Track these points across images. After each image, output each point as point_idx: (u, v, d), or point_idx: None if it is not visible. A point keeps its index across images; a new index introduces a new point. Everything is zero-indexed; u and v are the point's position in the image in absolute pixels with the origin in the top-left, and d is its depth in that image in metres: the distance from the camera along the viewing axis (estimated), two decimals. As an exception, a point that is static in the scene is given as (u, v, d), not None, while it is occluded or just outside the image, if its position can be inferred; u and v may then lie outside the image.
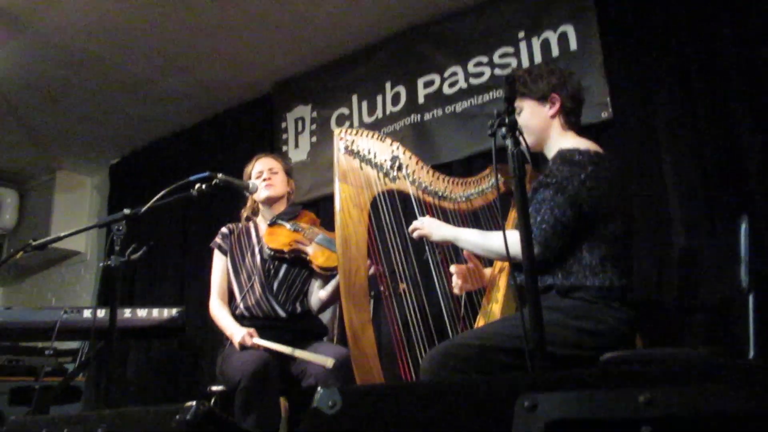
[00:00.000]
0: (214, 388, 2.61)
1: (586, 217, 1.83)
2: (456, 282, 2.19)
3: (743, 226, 1.87)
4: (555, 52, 3.10)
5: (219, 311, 2.62)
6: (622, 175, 1.99)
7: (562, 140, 1.99)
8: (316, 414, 0.84)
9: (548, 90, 1.99)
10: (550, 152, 2.00)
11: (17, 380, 3.63)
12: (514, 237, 1.52)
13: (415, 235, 2.10)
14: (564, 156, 1.88)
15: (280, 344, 2.41)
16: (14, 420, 1.37)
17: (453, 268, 2.19)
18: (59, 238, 2.47)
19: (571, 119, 2.04)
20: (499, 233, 1.94)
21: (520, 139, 1.49)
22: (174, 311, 3.55)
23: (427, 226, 2.07)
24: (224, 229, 2.78)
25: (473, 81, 3.38)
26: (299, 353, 2.36)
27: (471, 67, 3.40)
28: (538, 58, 3.15)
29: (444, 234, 2.05)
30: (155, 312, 3.52)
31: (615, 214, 1.87)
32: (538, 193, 1.87)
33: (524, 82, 2.00)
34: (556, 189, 1.82)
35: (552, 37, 3.13)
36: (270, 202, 2.73)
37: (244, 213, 2.84)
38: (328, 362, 2.28)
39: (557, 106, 2.00)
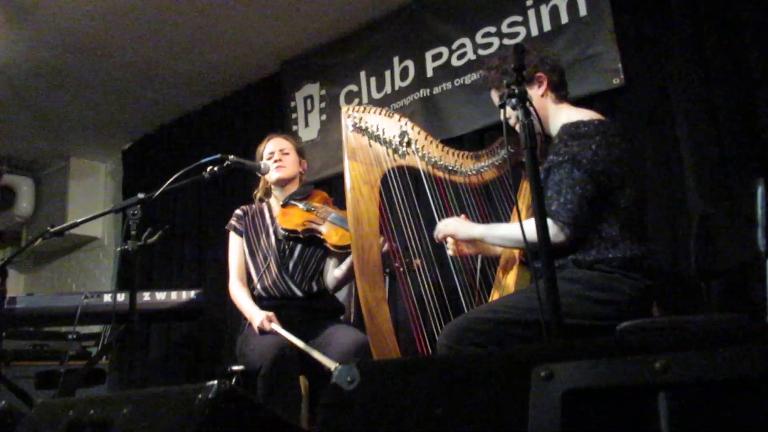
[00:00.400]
0: (235, 367, 2.64)
1: (603, 188, 1.82)
2: (451, 246, 2.19)
3: (760, 190, 1.85)
4: (564, 18, 3.05)
5: (239, 293, 2.64)
6: (629, 140, 1.97)
7: (560, 115, 1.97)
8: (335, 390, 0.85)
9: (531, 71, 1.96)
10: (553, 130, 1.98)
11: (43, 364, 3.71)
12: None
13: (440, 236, 2.09)
14: (569, 130, 1.86)
15: (299, 331, 2.43)
16: (42, 403, 1.40)
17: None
18: (76, 224, 2.50)
19: (561, 92, 2.02)
20: (525, 222, 1.93)
21: (531, 109, 1.48)
22: (192, 293, 3.59)
23: (452, 228, 2.06)
24: (238, 211, 2.79)
25: (482, 52, 3.34)
26: (316, 354, 2.33)
27: (479, 38, 3.36)
28: (547, 26, 3.10)
29: (470, 233, 2.04)
30: (174, 295, 3.57)
31: (628, 180, 1.86)
32: (552, 173, 1.84)
33: (504, 71, 1.96)
34: (571, 166, 1.80)
35: (561, 3, 3.07)
36: (282, 183, 2.74)
37: (257, 194, 2.85)
38: (333, 367, 2.27)
39: (545, 84, 1.98)
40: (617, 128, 1.91)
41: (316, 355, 2.32)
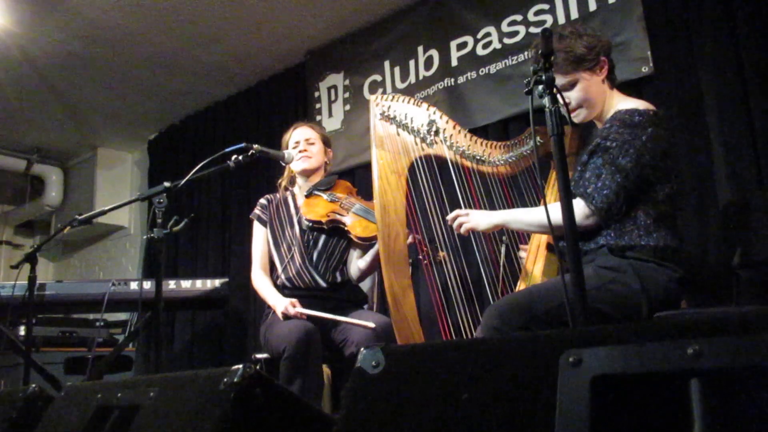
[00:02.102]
0: (259, 355, 2.67)
1: (646, 179, 1.79)
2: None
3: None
4: (592, 6, 3.00)
5: (261, 282, 2.66)
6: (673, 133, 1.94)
7: (614, 102, 1.94)
8: (360, 374, 0.85)
9: (596, 55, 1.92)
10: (605, 115, 1.95)
11: (71, 351, 3.79)
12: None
13: (462, 230, 2.04)
14: (623, 118, 1.83)
15: (322, 312, 2.44)
16: (71, 386, 1.43)
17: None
18: (104, 212, 2.53)
19: (613, 78, 1.99)
20: (550, 206, 1.91)
21: (558, 96, 1.46)
22: (217, 282, 3.63)
23: (473, 219, 2.02)
24: (263, 200, 2.80)
25: (507, 41, 3.30)
26: (346, 319, 2.40)
27: (505, 27, 3.32)
28: (574, 14, 3.05)
29: (492, 221, 2.00)
30: (199, 283, 3.61)
31: (671, 174, 1.83)
32: (596, 156, 1.82)
33: (569, 51, 1.89)
34: (617, 153, 1.77)
35: (589, -11, 3.02)
36: (306, 173, 2.74)
37: (282, 182, 2.86)
38: (370, 324, 2.31)
39: (606, 69, 1.95)
40: (667, 121, 1.87)
41: (347, 320, 2.36)
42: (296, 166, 2.72)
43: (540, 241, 2.14)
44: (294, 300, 2.49)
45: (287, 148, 2.76)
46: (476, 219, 2.02)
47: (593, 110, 1.94)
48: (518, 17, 3.28)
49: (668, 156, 1.82)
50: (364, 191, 2.74)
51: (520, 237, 2.30)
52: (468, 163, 2.13)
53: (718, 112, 2.56)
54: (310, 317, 2.45)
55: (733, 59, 2.56)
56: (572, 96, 1.93)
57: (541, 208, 1.91)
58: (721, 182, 2.52)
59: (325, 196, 2.68)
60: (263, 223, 2.75)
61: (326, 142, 2.83)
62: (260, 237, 2.74)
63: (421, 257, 2.25)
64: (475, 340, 1.12)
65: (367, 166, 2.21)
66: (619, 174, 1.76)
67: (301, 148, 2.72)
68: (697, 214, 2.58)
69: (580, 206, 1.79)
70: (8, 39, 3.86)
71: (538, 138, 2.08)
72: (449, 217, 2.08)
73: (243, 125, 4.61)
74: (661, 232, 1.79)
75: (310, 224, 2.64)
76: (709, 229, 2.54)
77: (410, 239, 2.29)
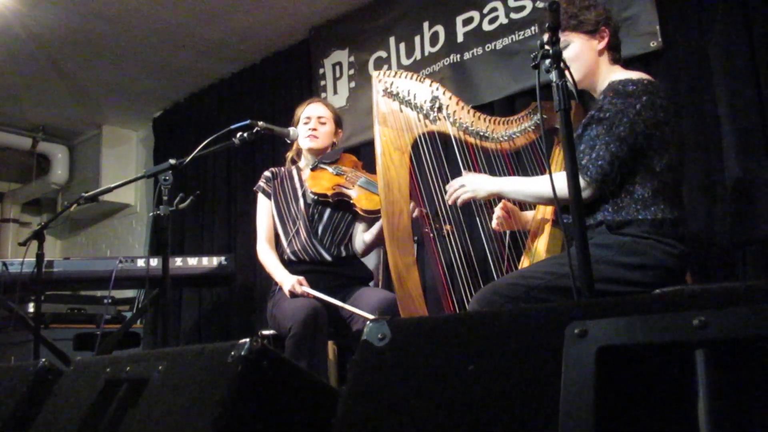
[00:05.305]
0: (265, 332, 2.68)
1: (641, 149, 1.78)
2: (498, 214, 2.18)
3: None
4: (600, -20, 2.95)
5: (267, 256, 2.66)
6: (674, 104, 1.92)
7: (610, 75, 1.93)
8: (366, 346, 0.85)
9: (597, 23, 1.93)
10: (600, 88, 1.95)
11: (80, 327, 3.83)
12: (562, 179, 1.48)
13: (460, 201, 2.04)
14: (617, 88, 1.82)
15: (328, 295, 2.45)
16: (80, 360, 1.45)
17: (499, 207, 2.18)
18: (110, 189, 2.54)
19: (616, 55, 1.99)
20: (546, 177, 1.90)
21: (566, 72, 1.45)
22: (223, 259, 3.65)
23: (470, 186, 2.01)
24: (267, 173, 2.80)
25: (514, 16, 3.26)
26: (350, 308, 2.40)
27: (511, 2, 3.28)
28: (582, -12, 3.00)
29: (490, 189, 1.99)
30: (205, 260, 3.63)
31: (669, 145, 1.81)
32: (589, 129, 1.81)
33: (573, 15, 1.92)
34: (610, 123, 1.76)
35: (597, -36, 2.98)
36: (313, 152, 2.74)
37: (290, 155, 2.86)
38: (370, 315, 2.32)
39: (606, 40, 1.94)
40: (665, 91, 1.86)
41: (351, 308, 2.37)
42: (303, 143, 2.72)
43: (544, 215, 2.14)
44: (301, 278, 2.50)
45: (299, 122, 2.74)
46: (473, 187, 2.01)
47: (583, 74, 1.92)
48: (525, -9, 3.23)
49: (665, 125, 1.80)
50: (369, 169, 2.74)
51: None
52: (471, 140, 2.12)
53: (728, 87, 2.53)
54: (315, 297, 2.46)
55: (744, 34, 2.53)
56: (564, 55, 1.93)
57: (541, 178, 1.91)
58: (729, 158, 2.50)
59: (330, 169, 2.68)
60: (267, 195, 2.74)
61: (338, 122, 2.80)
62: (265, 209, 2.74)
63: (427, 230, 2.24)
64: (480, 313, 1.13)
65: (371, 144, 2.20)
66: (613, 144, 1.75)
67: (312, 126, 2.70)
68: (704, 190, 2.57)
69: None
70: (11, 16, 3.84)
71: (542, 112, 2.07)
72: (447, 195, 2.07)
73: (247, 102, 4.60)
74: (659, 204, 1.78)
75: (316, 197, 2.64)
76: (715, 205, 2.53)
77: (416, 213, 2.29)
